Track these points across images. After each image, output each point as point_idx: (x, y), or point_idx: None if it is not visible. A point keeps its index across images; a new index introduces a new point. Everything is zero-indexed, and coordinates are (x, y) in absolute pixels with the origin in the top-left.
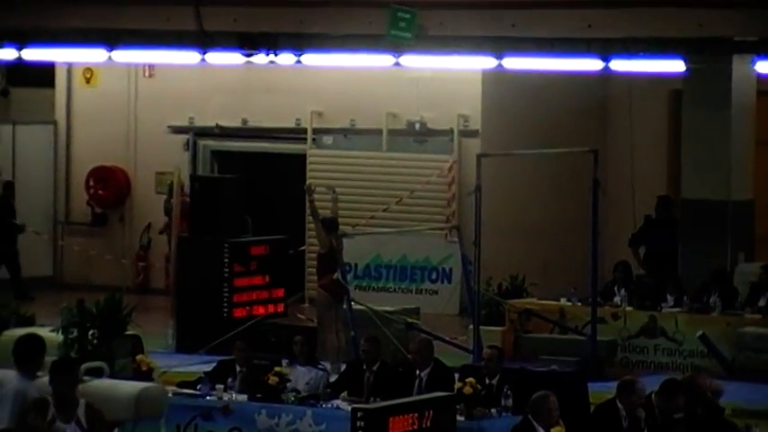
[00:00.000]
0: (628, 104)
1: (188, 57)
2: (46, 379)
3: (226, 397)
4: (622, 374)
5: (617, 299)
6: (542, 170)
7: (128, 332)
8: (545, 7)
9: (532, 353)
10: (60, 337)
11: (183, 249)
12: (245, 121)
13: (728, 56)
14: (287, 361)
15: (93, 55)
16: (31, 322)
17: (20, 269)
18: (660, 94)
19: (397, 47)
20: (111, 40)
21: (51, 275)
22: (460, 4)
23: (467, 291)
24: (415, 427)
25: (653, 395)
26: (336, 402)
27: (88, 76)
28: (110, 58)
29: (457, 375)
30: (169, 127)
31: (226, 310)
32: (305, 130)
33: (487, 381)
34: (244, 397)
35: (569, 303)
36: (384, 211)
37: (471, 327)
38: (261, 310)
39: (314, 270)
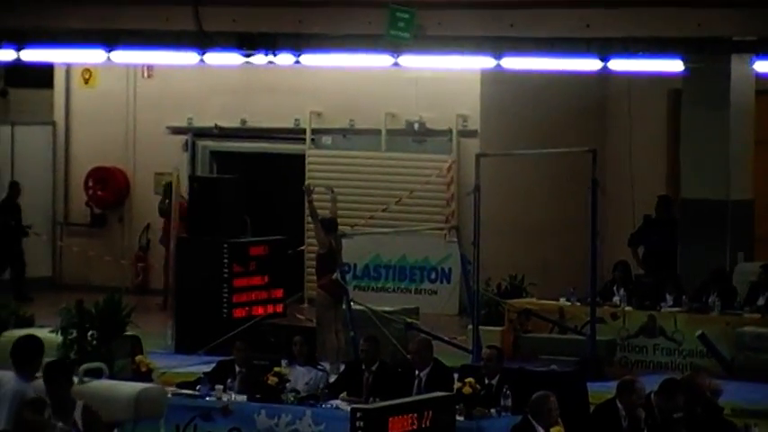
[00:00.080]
0: (627, 104)
1: (187, 57)
2: None
3: (225, 397)
4: (622, 374)
5: (616, 299)
6: (541, 170)
7: (127, 333)
8: (544, 7)
9: (532, 353)
10: (59, 337)
11: (183, 250)
12: (244, 122)
13: (727, 55)
14: (286, 361)
15: (91, 55)
16: (30, 323)
17: (24, 270)
18: (659, 94)
19: (395, 47)
20: (110, 40)
21: (50, 276)
22: (459, 3)
23: (466, 291)
24: (415, 427)
25: (652, 395)
26: (336, 402)
27: (87, 76)
28: (108, 58)
29: (456, 375)
30: (168, 127)
31: (225, 310)
32: (304, 131)
33: (487, 381)
34: (243, 397)
35: (568, 303)
36: (383, 211)
37: (470, 327)
38: (260, 311)
39: (313, 270)
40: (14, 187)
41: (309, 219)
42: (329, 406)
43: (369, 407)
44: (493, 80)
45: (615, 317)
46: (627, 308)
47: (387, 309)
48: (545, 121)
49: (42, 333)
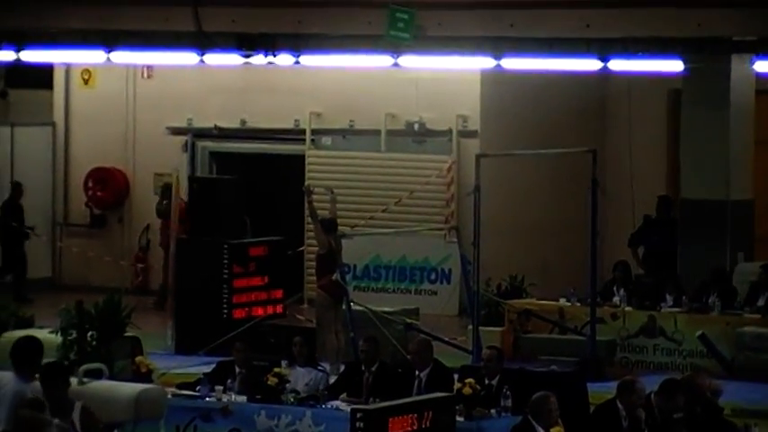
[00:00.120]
0: (627, 104)
1: (186, 58)
2: None
3: (225, 398)
4: (622, 374)
5: (616, 299)
6: (541, 170)
7: (127, 334)
8: (544, 7)
9: (532, 353)
10: (59, 338)
11: (183, 250)
12: (243, 122)
13: (727, 55)
14: (286, 362)
15: (91, 56)
16: (30, 324)
17: (26, 272)
18: (659, 94)
19: (395, 47)
20: (110, 41)
21: (50, 277)
22: (459, 4)
23: (466, 291)
24: (415, 427)
25: (652, 395)
26: (336, 403)
27: (86, 77)
28: (108, 59)
29: (456, 376)
30: (168, 128)
31: (225, 311)
32: (304, 131)
33: (487, 381)
34: (243, 398)
35: (568, 303)
36: (383, 211)
37: (470, 327)
38: (260, 312)
39: (313, 271)
40: (17, 188)
41: (309, 219)
42: (329, 407)
43: (369, 407)
44: (493, 80)
45: (615, 317)
46: (627, 308)
47: (387, 309)
48: (545, 122)
49: (42, 334)
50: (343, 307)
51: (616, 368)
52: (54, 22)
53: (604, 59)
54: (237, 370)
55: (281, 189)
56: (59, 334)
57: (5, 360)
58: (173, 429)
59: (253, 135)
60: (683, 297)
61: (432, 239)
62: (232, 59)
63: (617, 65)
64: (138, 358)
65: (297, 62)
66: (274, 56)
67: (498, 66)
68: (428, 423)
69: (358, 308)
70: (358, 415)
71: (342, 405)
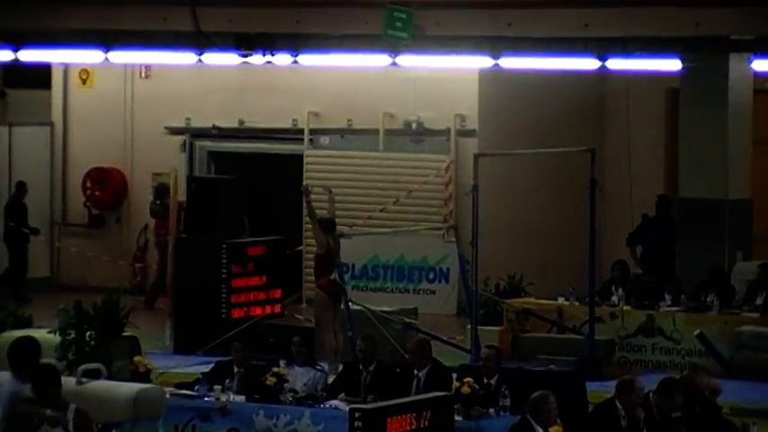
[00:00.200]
0: (625, 103)
1: (184, 57)
2: None
3: (224, 398)
4: (620, 374)
5: (615, 298)
6: (540, 170)
7: (125, 333)
8: (542, 6)
9: (530, 352)
10: (58, 338)
11: (181, 250)
12: (241, 122)
13: (725, 54)
14: (285, 361)
15: (89, 56)
16: (28, 324)
17: (26, 272)
18: (657, 93)
19: (393, 47)
20: (108, 40)
21: (48, 277)
22: (457, 3)
23: (464, 290)
24: (413, 426)
25: (651, 394)
26: (334, 403)
27: (84, 77)
28: (106, 58)
29: (455, 375)
30: (166, 128)
31: (223, 310)
32: (302, 131)
33: (485, 380)
34: (242, 398)
35: (567, 303)
36: (381, 211)
37: (469, 326)
38: (258, 311)
39: (311, 270)
40: (21, 187)
41: (307, 219)
42: (328, 406)
43: (367, 407)
44: (491, 80)
45: (614, 316)
46: (625, 307)
47: (385, 309)
48: (543, 121)
49: (41, 334)
50: (342, 306)
51: (614, 367)
52: (52, 22)
53: (602, 59)
54: (236, 370)
55: (279, 189)
56: (58, 334)
57: (3, 360)
58: (171, 429)
59: (251, 135)
60: (682, 296)
61: (430, 239)
62: (230, 59)
63: (615, 64)
64: (137, 358)
65: (295, 62)
66: (272, 55)
67: (496, 65)
68: (426, 422)
69: (356, 307)
70: (356, 414)
71: (340, 404)
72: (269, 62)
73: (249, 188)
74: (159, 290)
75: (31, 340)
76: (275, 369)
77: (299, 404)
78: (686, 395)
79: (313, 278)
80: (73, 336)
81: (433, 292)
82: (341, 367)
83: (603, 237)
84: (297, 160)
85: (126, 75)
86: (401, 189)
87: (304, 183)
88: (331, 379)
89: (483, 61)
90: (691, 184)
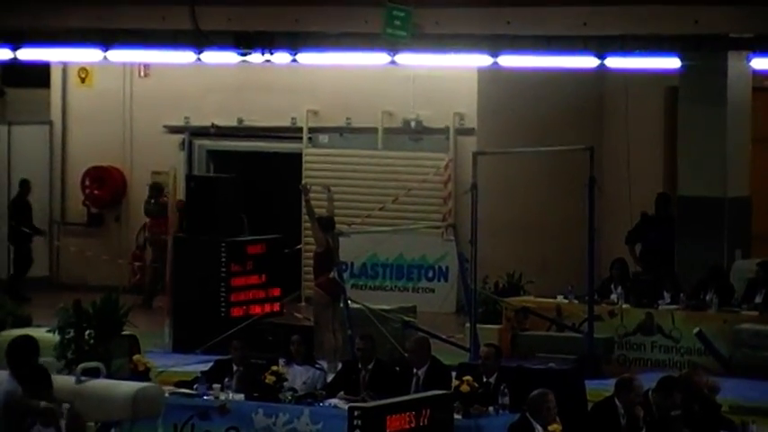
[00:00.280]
0: (624, 102)
1: (183, 56)
2: None
3: (223, 396)
4: (619, 372)
5: (614, 296)
6: (539, 168)
7: (124, 332)
8: (541, 5)
9: (529, 351)
10: (57, 337)
11: (180, 249)
12: (240, 121)
13: (724, 52)
14: (284, 360)
15: (88, 55)
16: (27, 323)
17: (27, 271)
18: (656, 92)
19: (392, 45)
20: (107, 39)
21: (47, 276)
22: (456, 2)
23: (463, 289)
24: (413, 425)
25: (650, 392)
26: (333, 401)
27: (83, 75)
28: (105, 57)
29: (454, 373)
30: (165, 126)
31: (223, 309)
32: (301, 129)
33: (485, 379)
34: (241, 396)
35: (566, 301)
36: (380, 209)
37: (468, 325)
38: (257, 310)
39: (310, 269)
40: (25, 185)
41: (306, 217)
42: (327, 405)
43: (366, 405)
44: (490, 78)
45: (613, 314)
46: (624, 305)
47: (384, 307)
48: (542, 119)
49: (40, 333)
50: (341, 305)
51: (614, 366)
52: (51, 21)
53: (601, 57)
54: (235, 368)
55: (278, 187)
56: (57, 333)
57: (2, 359)
58: (170, 428)
59: (250, 133)
60: (681, 294)
61: (429, 237)
62: (229, 58)
63: (614, 62)
64: (136, 357)
65: (294, 60)
66: (271, 54)
67: (495, 63)
68: (426, 421)
69: (355, 306)
70: (355, 413)
71: (340, 403)
72: (268, 61)
73: (248, 187)
74: (156, 288)
75: (29, 339)
76: (274, 368)
77: (299, 403)
78: (685, 393)
79: (312, 277)
80: (72, 334)
81: (432, 291)
82: (340, 366)
83: (602, 235)
84: (296, 159)
85: (125, 73)
86: (400, 187)
87: (303, 181)
88: (330, 378)
89: (482, 60)
90: (690, 182)
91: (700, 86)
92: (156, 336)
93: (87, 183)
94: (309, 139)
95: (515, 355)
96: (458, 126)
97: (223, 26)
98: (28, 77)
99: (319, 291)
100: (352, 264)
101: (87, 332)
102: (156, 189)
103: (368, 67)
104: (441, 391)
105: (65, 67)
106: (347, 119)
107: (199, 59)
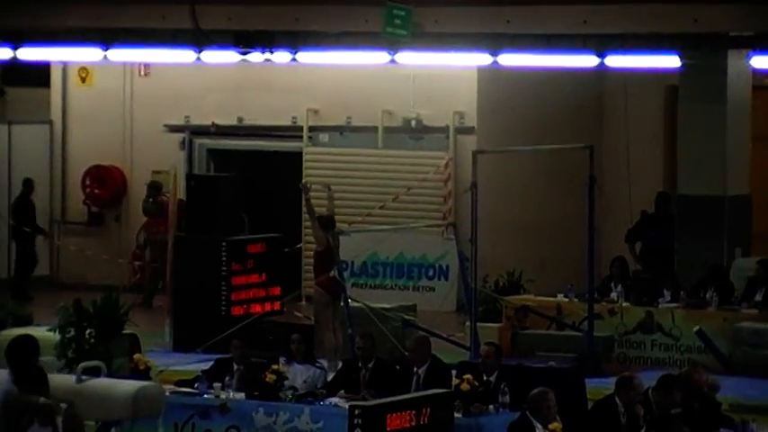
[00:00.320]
0: (624, 100)
1: (183, 55)
2: None
3: (223, 395)
4: (619, 370)
5: (614, 295)
6: (538, 167)
7: (125, 331)
8: (540, 3)
9: (529, 349)
10: (57, 336)
11: (180, 248)
12: (240, 120)
13: (724, 51)
14: (284, 359)
15: (88, 54)
16: (28, 322)
17: (28, 271)
18: (656, 90)
19: (392, 44)
20: (107, 38)
21: (48, 275)
22: (456, 0)
23: (464, 287)
24: (413, 423)
25: (650, 391)
26: (334, 400)
27: (84, 75)
28: (105, 57)
29: (454, 372)
30: (165, 126)
31: (223, 308)
32: (301, 128)
33: (485, 377)
34: (241, 395)
35: (566, 299)
36: (380, 208)
37: (468, 323)
38: (258, 309)
39: (311, 268)
40: (28, 185)
41: (307, 216)
42: (327, 404)
43: (367, 404)
44: (490, 77)
45: (613, 313)
46: (624, 304)
47: (384, 306)
48: (542, 118)
49: (40, 332)
50: (341, 304)
51: (614, 364)
52: (51, 20)
53: (601, 56)
54: (235, 367)
55: (278, 186)
56: (57, 332)
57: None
58: (171, 427)
59: (250, 132)
60: (681, 293)
61: (429, 236)
62: (229, 57)
63: (614, 61)
64: (136, 356)
65: (294, 59)
66: (271, 53)
67: (495, 62)
68: (426, 419)
69: (356, 305)
70: (356, 411)
71: (340, 402)
72: (268, 60)
73: (248, 186)
74: (155, 287)
75: (30, 339)
76: (275, 366)
77: (299, 401)
78: (685, 392)
79: (312, 275)
80: (72, 334)
81: (433, 290)
82: (340, 365)
83: (602, 234)
84: (296, 158)
85: (125, 73)
86: (400, 186)
87: (303, 180)
88: (330, 376)
89: (482, 58)
90: (689, 180)
91: (699, 85)
92: (156, 335)
93: (87, 182)
94: (310, 137)
95: (515, 354)
96: (458, 125)
97: (223, 25)
98: (28, 77)
99: (320, 289)
100: (352, 262)
101: (88, 331)
102: (155, 188)
103: (368, 66)
104: (441, 390)
105: (65, 66)
106: (347, 118)
107: (199, 59)
